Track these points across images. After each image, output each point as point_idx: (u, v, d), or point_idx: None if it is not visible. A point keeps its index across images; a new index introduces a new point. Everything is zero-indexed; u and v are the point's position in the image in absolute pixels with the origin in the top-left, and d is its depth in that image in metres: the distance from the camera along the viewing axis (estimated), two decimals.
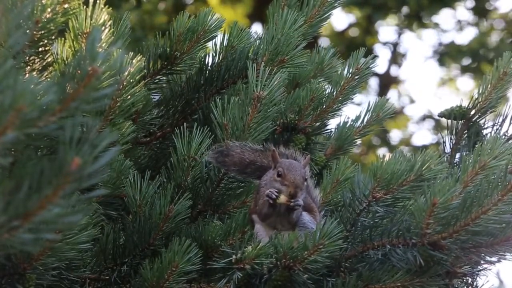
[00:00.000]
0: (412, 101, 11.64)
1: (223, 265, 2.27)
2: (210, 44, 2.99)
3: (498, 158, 2.26)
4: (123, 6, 7.90)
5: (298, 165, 2.35)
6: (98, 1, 2.66)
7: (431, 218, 2.20)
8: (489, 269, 2.42)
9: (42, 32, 2.58)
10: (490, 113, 2.88)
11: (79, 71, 1.66)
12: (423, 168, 2.32)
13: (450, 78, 11.56)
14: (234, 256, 2.26)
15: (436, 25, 10.51)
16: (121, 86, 2.52)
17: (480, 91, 2.86)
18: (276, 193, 2.30)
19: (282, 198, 2.30)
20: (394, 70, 11.23)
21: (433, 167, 2.30)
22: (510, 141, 2.81)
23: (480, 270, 2.41)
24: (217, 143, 2.58)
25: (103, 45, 2.49)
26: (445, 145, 2.89)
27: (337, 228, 2.21)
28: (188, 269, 2.36)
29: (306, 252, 2.22)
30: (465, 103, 2.89)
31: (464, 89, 11.57)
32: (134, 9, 8.49)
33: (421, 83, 15.96)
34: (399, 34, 10.94)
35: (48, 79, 2.63)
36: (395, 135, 11.47)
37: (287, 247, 2.24)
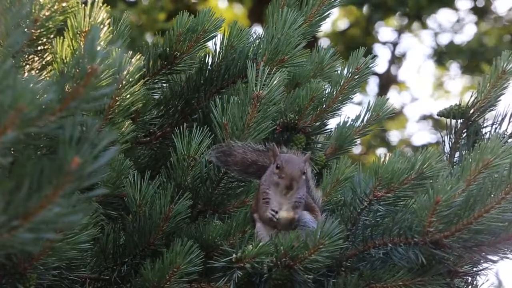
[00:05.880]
0: (412, 100, 11.66)
1: (223, 264, 2.27)
2: (210, 44, 2.99)
3: (502, 157, 2.25)
4: (118, 5, 7.87)
5: (297, 159, 2.35)
6: (96, 0, 2.65)
7: (434, 216, 2.20)
8: (490, 268, 2.42)
9: (41, 30, 2.57)
10: (489, 112, 2.88)
11: (78, 70, 1.65)
12: (424, 166, 2.31)
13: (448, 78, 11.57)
14: (234, 255, 2.25)
15: (436, 25, 10.52)
16: (121, 85, 2.51)
17: (479, 90, 2.85)
18: (274, 212, 2.30)
19: (282, 214, 2.30)
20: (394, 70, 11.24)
21: (434, 165, 2.30)
22: (510, 140, 2.81)
23: (481, 269, 2.40)
24: (219, 143, 2.57)
25: (102, 44, 2.48)
26: (445, 144, 2.89)
27: (337, 227, 2.21)
28: (189, 270, 2.35)
29: (306, 252, 2.22)
30: (464, 102, 2.89)
31: (462, 89, 11.58)
32: (131, 7, 8.47)
33: (420, 83, 15.97)
34: (399, 34, 10.94)
35: (47, 78, 2.62)
36: (394, 135, 11.48)
37: (288, 246, 2.23)
